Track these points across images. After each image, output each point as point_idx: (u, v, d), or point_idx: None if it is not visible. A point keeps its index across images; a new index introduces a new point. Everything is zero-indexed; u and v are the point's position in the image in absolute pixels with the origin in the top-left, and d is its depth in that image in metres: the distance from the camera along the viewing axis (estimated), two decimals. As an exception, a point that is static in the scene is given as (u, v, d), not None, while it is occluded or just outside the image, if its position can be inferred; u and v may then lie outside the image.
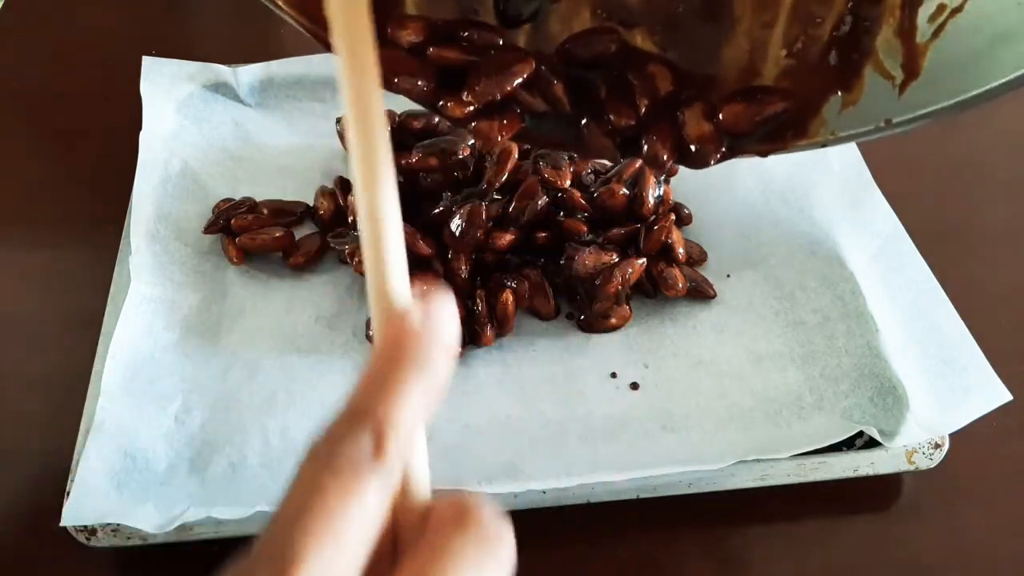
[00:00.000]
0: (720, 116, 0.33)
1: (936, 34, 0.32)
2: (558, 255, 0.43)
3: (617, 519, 0.38)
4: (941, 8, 0.31)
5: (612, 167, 0.47)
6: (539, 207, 0.44)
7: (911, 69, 0.32)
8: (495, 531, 0.19)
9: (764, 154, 0.34)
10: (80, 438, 0.37)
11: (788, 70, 0.34)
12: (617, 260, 0.43)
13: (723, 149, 0.34)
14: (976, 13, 0.31)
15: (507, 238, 0.43)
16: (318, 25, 0.33)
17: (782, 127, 0.34)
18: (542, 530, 0.38)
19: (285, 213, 0.48)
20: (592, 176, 0.47)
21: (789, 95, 0.33)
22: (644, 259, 0.43)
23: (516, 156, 0.45)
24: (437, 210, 0.43)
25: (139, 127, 0.49)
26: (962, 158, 0.58)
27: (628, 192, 0.45)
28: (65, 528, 0.35)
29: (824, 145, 0.34)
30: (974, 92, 0.30)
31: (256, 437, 0.38)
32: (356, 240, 0.44)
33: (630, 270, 0.43)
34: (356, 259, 0.42)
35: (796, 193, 0.49)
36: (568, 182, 0.44)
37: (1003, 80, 0.30)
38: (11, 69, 0.61)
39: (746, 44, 0.34)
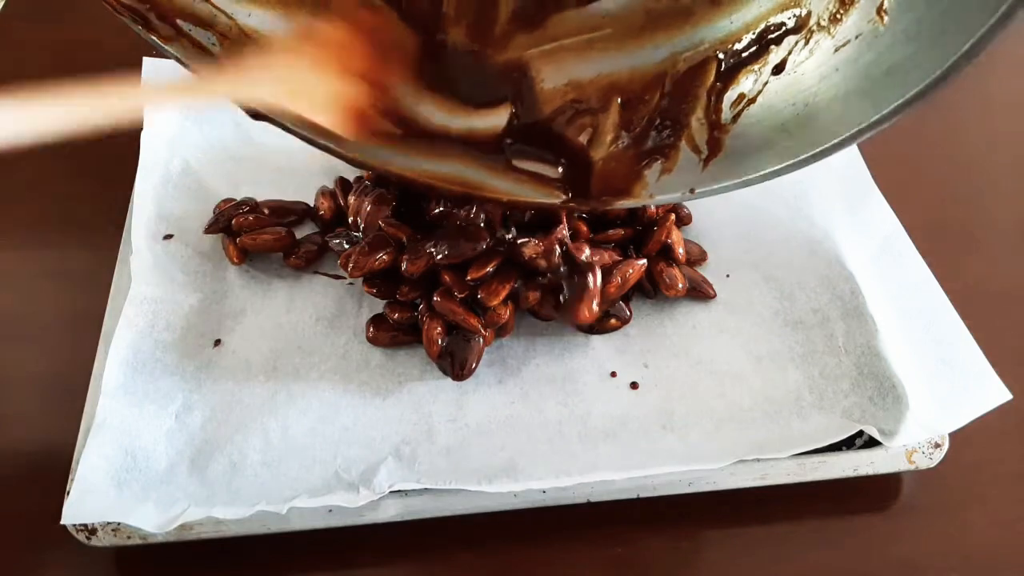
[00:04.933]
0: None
1: (735, 119, 0.38)
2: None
3: (617, 518, 0.38)
4: (741, 96, 0.38)
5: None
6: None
7: (714, 146, 0.38)
8: None
9: (596, 210, 0.43)
10: (80, 437, 0.37)
11: (622, 140, 0.40)
12: (617, 260, 0.43)
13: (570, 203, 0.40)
14: (765, 104, 0.38)
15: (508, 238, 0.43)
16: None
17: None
18: (542, 530, 0.38)
19: (286, 213, 0.48)
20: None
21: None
22: (644, 260, 0.44)
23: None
24: (437, 210, 0.43)
25: (140, 127, 0.49)
26: (962, 157, 0.58)
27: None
28: (65, 527, 0.35)
29: (644, 204, 0.42)
30: (757, 174, 0.37)
31: (257, 436, 0.38)
32: (354, 241, 0.44)
33: (630, 270, 0.43)
34: (350, 266, 0.42)
35: (796, 193, 0.49)
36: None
37: (779, 166, 0.36)
38: (11, 69, 0.61)
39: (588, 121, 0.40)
